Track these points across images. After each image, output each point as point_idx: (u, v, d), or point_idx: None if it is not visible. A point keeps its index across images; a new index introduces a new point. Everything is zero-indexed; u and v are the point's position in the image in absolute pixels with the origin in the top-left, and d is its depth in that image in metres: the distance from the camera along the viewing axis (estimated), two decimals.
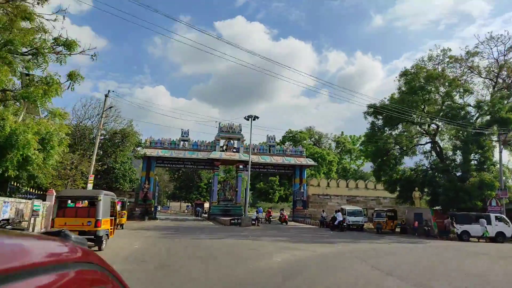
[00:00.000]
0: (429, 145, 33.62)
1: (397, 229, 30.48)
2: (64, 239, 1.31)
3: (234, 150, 43.24)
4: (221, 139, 43.08)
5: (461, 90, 31.25)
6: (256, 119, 32.23)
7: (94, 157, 22.25)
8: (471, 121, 30.12)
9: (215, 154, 41.43)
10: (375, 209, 31.59)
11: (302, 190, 42.67)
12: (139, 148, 38.21)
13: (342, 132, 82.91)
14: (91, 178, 21.44)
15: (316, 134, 76.80)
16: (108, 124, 31.09)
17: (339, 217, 29.47)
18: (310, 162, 44.58)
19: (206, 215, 46.11)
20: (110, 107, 22.74)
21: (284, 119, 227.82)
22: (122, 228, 23.81)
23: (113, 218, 14.90)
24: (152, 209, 38.52)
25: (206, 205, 73.29)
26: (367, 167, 75.41)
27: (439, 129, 32.60)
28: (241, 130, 43.67)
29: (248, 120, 32.51)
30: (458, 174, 30.85)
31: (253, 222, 30.95)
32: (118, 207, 18.67)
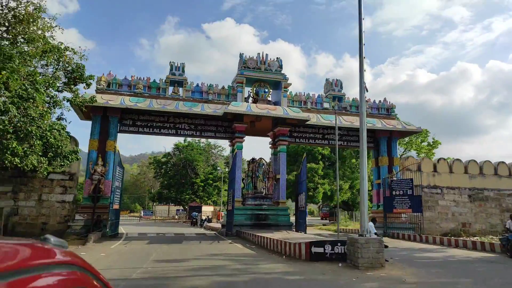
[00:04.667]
0: None
1: None
2: (44, 242, 1.30)
3: (270, 103, 23.01)
4: (245, 82, 22.73)
5: None
6: None
7: None
8: None
9: (238, 106, 21.09)
10: None
11: (404, 178, 22.40)
12: (78, 88, 17.73)
13: None
14: None
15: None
16: None
17: None
18: (410, 126, 24.50)
19: (220, 227, 25.19)
20: None
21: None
22: None
23: None
24: (107, 216, 17.81)
25: (205, 208, 52.71)
26: None
27: None
28: (281, 68, 23.45)
29: None
30: None
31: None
32: None
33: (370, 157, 27.62)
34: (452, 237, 18.31)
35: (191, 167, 55.22)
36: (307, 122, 22.26)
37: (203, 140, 57.56)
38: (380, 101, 25.53)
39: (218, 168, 54.32)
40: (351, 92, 65.39)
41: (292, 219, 23.65)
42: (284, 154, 22.45)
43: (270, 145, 24.30)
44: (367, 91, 11.38)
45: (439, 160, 25.57)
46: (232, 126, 22.22)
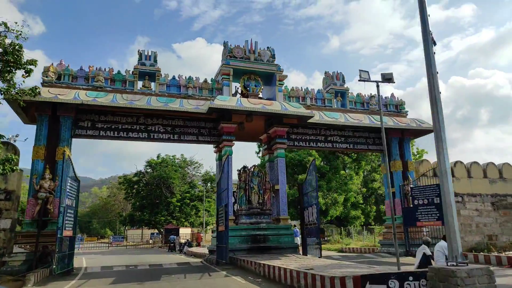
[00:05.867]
0: None
1: None
2: None
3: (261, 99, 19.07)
4: (232, 74, 18.74)
5: None
6: None
7: None
8: None
9: (226, 101, 17.05)
10: None
11: (429, 185, 18.69)
12: (14, 75, 13.19)
13: None
14: None
15: None
16: None
17: None
18: (425, 124, 21.12)
19: (206, 252, 20.50)
20: None
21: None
22: None
23: None
24: (55, 247, 13.07)
25: (183, 230, 47.73)
26: None
27: None
28: (274, 59, 19.69)
29: None
30: None
31: None
32: None
33: (385, 160, 23.98)
34: (503, 254, 14.74)
35: (166, 185, 50.02)
36: (309, 121, 18.45)
37: (178, 155, 52.99)
38: (387, 97, 22.15)
39: (200, 183, 49.65)
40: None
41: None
42: (282, 160, 18.42)
43: (263, 151, 20.21)
44: (435, 44, 7.67)
45: (456, 163, 22.24)
46: (218, 127, 18.07)
